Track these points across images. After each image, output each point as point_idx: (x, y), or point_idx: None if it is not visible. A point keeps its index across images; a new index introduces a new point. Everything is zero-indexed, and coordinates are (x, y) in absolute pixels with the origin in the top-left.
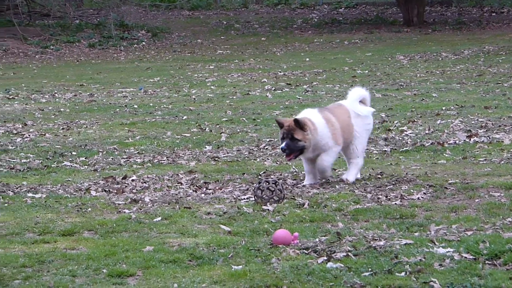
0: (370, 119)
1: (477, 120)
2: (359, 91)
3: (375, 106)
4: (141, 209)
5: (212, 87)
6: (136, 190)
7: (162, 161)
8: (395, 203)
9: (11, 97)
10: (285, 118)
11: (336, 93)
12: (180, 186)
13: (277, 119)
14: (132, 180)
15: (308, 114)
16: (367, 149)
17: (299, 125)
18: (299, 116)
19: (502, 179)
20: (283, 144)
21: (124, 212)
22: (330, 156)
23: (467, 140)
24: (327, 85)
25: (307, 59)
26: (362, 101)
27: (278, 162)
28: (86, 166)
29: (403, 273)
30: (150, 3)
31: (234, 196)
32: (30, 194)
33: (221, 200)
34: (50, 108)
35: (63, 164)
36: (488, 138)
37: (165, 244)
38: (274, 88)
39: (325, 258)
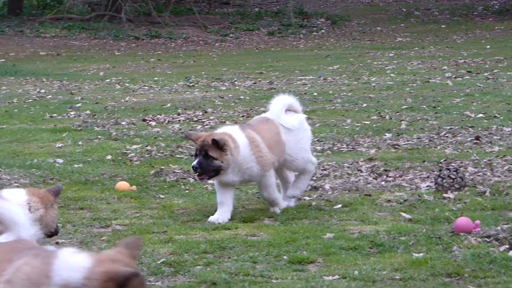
0: (305, 127)
1: None
2: (282, 99)
3: None
4: (321, 196)
5: (391, 74)
6: (316, 177)
7: (342, 149)
8: None
9: (191, 84)
10: (201, 132)
11: None
12: (360, 174)
13: (187, 133)
14: None
15: (229, 131)
16: None
17: (217, 143)
18: (218, 131)
19: None
20: (195, 162)
21: (304, 199)
22: (269, 186)
23: None
24: (509, 73)
25: (488, 46)
26: (291, 109)
27: (459, 150)
28: None
29: None
30: None
31: (415, 184)
32: (210, 181)
33: (401, 188)
34: (230, 95)
35: None
36: None
37: (345, 231)
38: (454, 76)
39: (507, 246)
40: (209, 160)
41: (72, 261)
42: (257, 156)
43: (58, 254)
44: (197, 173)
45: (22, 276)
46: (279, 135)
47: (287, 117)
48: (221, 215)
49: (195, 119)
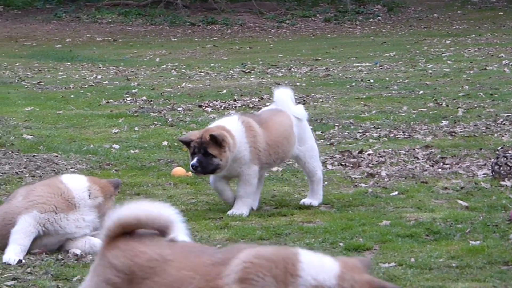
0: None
1: None
2: (287, 91)
3: None
4: (377, 183)
5: (448, 61)
6: (372, 164)
7: (398, 136)
8: None
9: (247, 71)
10: (193, 131)
11: None
12: (417, 161)
13: (181, 138)
14: (368, 154)
15: (225, 122)
16: None
17: (216, 140)
18: (214, 124)
19: None
20: (194, 160)
21: (361, 186)
22: (249, 185)
23: None
24: None
25: None
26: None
27: None
28: (322, 140)
29: None
30: None
31: (471, 171)
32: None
33: (458, 175)
34: (286, 82)
35: None
36: None
37: (401, 219)
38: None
39: None
40: (209, 158)
41: (320, 263)
42: (251, 144)
43: (299, 253)
44: (196, 172)
45: (262, 273)
46: (291, 128)
47: (296, 107)
48: (241, 209)
49: (251, 105)
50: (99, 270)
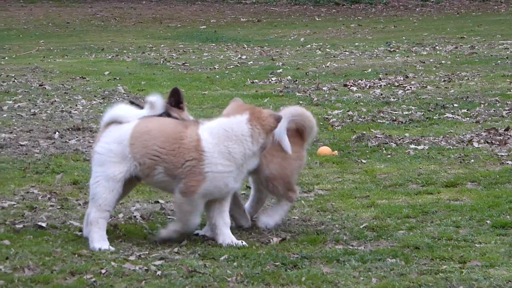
0: None
1: None
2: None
3: None
4: None
5: None
6: None
7: None
8: None
9: (392, 50)
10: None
11: None
12: None
13: None
14: None
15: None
16: None
17: None
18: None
19: None
20: None
21: (507, 163)
22: None
23: None
24: None
25: None
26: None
27: None
28: (468, 118)
29: None
30: None
31: None
32: (412, 146)
33: None
34: (431, 60)
35: (445, 116)
36: None
37: None
38: None
39: None
40: None
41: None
42: None
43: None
44: None
45: None
46: None
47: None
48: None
49: (396, 84)
50: None
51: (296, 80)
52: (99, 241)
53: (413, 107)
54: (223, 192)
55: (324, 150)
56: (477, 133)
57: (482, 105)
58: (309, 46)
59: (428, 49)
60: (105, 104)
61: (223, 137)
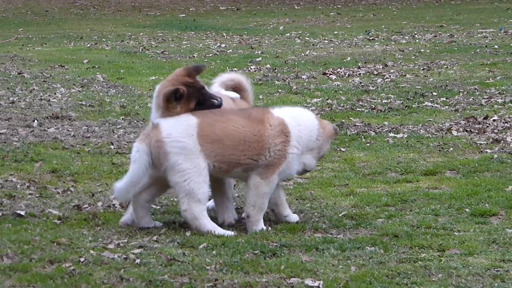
0: None
1: None
2: None
3: None
4: (503, 149)
5: None
6: (498, 130)
7: None
8: None
9: (371, 38)
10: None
11: None
12: None
13: None
14: (494, 120)
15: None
16: None
17: None
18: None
19: None
20: None
21: (486, 152)
22: None
23: None
24: None
25: None
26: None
27: None
28: (447, 107)
29: None
30: None
31: None
32: (391, 134)
33: None
34: (410, 49)
35: (424, 104)
36: None
37: None
38: None
39: None
40: None
41: None
42: None
43: None
44: None
45: None
46: None
47: None
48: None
49: (375, 72)
50: None
51: (275, 69)
52: (218, 227)
53: (392, 96)
54: (288, 176)
55: None
56: (456, 121)
57: (461, 94)
58: (288, 34)
59: (407, 37)
60: (84, 92)
61: (298, 122)
